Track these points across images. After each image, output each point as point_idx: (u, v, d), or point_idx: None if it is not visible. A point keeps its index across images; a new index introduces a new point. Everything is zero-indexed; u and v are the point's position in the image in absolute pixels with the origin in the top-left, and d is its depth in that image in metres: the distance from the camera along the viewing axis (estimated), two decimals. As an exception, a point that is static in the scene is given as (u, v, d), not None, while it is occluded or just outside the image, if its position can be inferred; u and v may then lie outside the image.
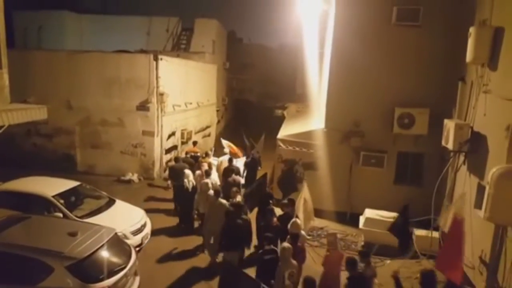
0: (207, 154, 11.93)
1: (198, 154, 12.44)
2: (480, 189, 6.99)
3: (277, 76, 32.45)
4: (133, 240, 7.85)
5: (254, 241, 8.15)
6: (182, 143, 15.86)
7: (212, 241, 7.95)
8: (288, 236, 6.54)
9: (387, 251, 8.65)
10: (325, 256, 6.71)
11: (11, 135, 12.34)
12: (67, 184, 8.84)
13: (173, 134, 15.24)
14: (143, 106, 13.72)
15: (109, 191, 9.95)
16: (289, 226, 6.76)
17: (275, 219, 7.43)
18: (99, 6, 27.51)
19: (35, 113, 10.77)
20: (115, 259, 6.03)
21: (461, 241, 5.94)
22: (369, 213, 9.40)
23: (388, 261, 8.39)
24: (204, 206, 8.47)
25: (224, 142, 13.72)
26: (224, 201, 8.10)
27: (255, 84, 34.11)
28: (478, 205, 7.04)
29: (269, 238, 6.32)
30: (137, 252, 7.22)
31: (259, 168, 12.32)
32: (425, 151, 10.27)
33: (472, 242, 7.30)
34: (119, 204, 9.04)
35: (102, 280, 5.52)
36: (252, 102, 33.62)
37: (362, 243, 9.21)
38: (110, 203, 8.90)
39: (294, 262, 5.75)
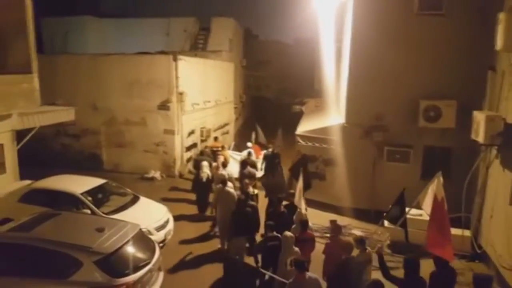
0: (223, 148, 12.83)
1: (219, 148, 12.95)
2: (516, 185, 6.68)
3: (295, 72, 32.25)
4: (157, 236, 7.96)
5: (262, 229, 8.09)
6: (202, 140, 16.00)
7: (221, 228, 8.41)
8: (294, 226, 6.77)
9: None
10: (326, 244, 6.74)
11: (41, 136, 12.77)
12: (94, 182, 9.05)
13: (192, 132, 15.41)
14: (164, 106, 13.93)
15: (133, 188, 10.13)
16: (294, 216, 7.08)
17: (282, 207, 7.62)
18: (120, 10, 28.13)
19: (64, 114, 11.18)
20: (140, 255, 6.12)
21: (445, 220, 6.11)
22: (394, 210, 9.15)
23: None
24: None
25: (260, 133, 14.52)
26: (231, 190, 8.54)
27: (273, 80, 34.01)
28: (513, 201, 6.74)
29: (270, 226, 6.59)
30: (161, 247, 7.30)
31: (277, 160, 12.23)
32: (453, 145, 9.86)
33: (508, 241, 6.97)
34: (143, 201, 9.19)
35: (128, 274, 5.61)
36: (270, 98, 33.52)
37: (388, 242, 8.97)
38: (135, 200, 9.06)
39: (296, 249, 5.91)
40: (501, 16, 6.98)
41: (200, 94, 15.96)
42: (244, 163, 10.72)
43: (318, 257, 6.70)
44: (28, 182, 9.30)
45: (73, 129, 14.58)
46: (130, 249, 6.03)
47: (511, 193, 6.94)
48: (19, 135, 10.22)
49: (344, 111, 11.07)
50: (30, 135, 10.24)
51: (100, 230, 6.09)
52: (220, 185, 8.76)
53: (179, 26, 23.35)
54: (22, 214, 6.92)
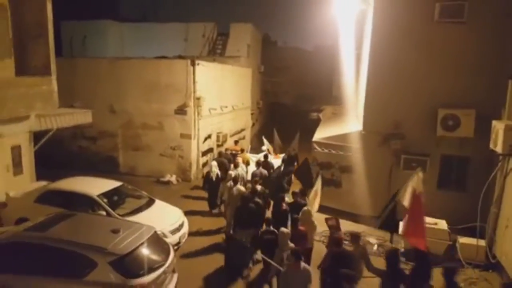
0: (242, 151, 13.80)
1: (239, 151, 13.54)
2: (534, 195, 6.53)
3: (313, 79, 32.14)
4: (172, 239, 8.03)
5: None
6: (218, 145, 16.09)
7: (229, 222, 9.03)
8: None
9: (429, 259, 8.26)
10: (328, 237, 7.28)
11: (59, 138, 13.08)
12: (110, 184, 9.20)
13: (209, 136, 15.51)
14: (181, 110, 14.08)
15: (149, 192, 10.26)
16: (300, 214, 7.57)
17: (284, 205, 8.15)
18: (139, 14, 28.67)
19: (81, 117, 11.38)
20: (154, 256, 6.18)
21: (421, 212, 6.54)
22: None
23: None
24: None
25: (265, 141, 14.95)
26: (241, 188, 9.21)
27: (290, 87, 33.94)
28: (531, 212, 6.60)
29: (269, 220, 7.25)
30: (175, 250, 7.37)
31: (296, 163, 12.80)
32: (471, 154, 9.72)
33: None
34: (159, 204, 9.29)
35: (142, 275, 5.67)
36: (287, 105, 33.47)
37: (402, 250, 8.85)
38: (150, 202, 9.18)
39: (291, 244, 6.38)
40: (523, 24, 6.86)
41: (217, 99, 16.09)
42: (257, 164, 11.32)
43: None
44: (44, 183, 9.51)
45: (90, 131, 14.85)
46: (145, 251, 6.10)
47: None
48: (37, 136, 10.47)
49: (362, 119, 11.02)
50: (47, 136, 10.48)
51: (116, 231, 6.18)
52: (230, 183, 9.38)
53: (197, 31, 23.62)
54: (38, 215, 7.07)
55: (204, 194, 11.80)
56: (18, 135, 9.86)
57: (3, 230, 6.86)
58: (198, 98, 14.07)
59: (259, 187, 9.20)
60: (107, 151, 15.08)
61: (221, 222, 10.21)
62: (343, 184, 11.33)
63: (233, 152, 13.56)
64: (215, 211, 11.06)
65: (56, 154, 14.06)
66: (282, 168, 12.05)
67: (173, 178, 14.12)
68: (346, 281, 5.29)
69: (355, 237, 6.63)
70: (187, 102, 13.99)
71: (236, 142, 15.51)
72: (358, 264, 6.08)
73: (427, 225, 8.56)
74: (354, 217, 10.55)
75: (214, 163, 11.44)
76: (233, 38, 23.29)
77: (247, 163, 12.22)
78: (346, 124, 12.94)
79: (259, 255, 7.50)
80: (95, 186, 8.89)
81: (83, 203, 8.27)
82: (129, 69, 14.60)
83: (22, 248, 5.91)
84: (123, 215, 8.19)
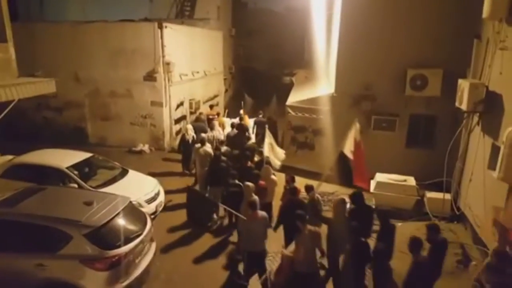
0: (218, 115, 13.97)
1: (215, 116, 13.65)
2: (495, 150, 6.89)
3: (285, 42, 31.57)
4: (148, 208, 8.03)
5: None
6: (191, 113, 15.83)
7: (200, 181, 9.62)
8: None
9: (399, 214, 8.71)
10: (283, 193, 7.92)
11: (21, 109, 12.46)
12: (80, 155, 8.97)
13: (181, 104, 15.19)
14: (150, 77, 13.61)
15: (121, 162, 10.08)
16: (261, 170, 8.39)
17: (249, 162, 8.85)
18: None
19: (44, 86, 10.75)
20: (131, 227, 6.17)
21: (363, 157, 7.70)
22: (380, 177, 9.40)
23: (400, 224, 8.46)
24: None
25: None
26: (208, 149, 9.59)
27: (263, 51, 33.29)
28: (492, 166, 6.97)
29: (233, 175, 7.88)
30: (152, 219, 7.39)
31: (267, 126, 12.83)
32: (438, 113, 10.05)
33: (485, 203, 7.28)
34: (132, 174, 9.19)
35: (119, 246, 5.67)
36: (260, 69, 33.01)
37: (373, 207, 9.26)
38: (124, 173, 9.05)
39: (255, 197, 6.82)
40: (489, -18, 6.90)
41: (188, 64, 15.59)
42: (232, 126, 11.74)
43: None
44: (9, 157, 9.13)
45: (55, 101, 14.21)
46: (121, 222, 6.07)
47: (490, 157, 7.16)
48: (-3, 108, 9.92)
49: (334, 81, 11.06)
50: (8, 108, 9.92)
51: (89, 203, 6.10)
52: (198, 144, 9.77)
53: (164, -8, 22.47)
54: (5, 190, 6.80)
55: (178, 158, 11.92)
56: (-24, 107, 9.29)
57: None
58: (168, 64, 13.59)
59: (224, 148, 9.89)
60: (74, 121, 14.55)
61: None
62: (316, 147, 11.54)
63: (209, 116, 13.68)
64: (188, 172, 11.50)
65: (20, 127, 13.48)
66: (254, 130, 13.06)
67: (145, 147, 13.91)
68: (299, 220, 5.69)
69: (308, 188, 7.16)
70: (156, 68, 13.52)
71: (211, 107, 15.73)
72: (313, 210, 6.73)
73: (396, 182, 9.09)
74: (327, 178, 10.80)
75: (190, 126, 11.84)
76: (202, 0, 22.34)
77: (223, 126, 12.82)
78: (318, 88, 12.98)
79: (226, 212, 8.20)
80: (64, 158, 8.63)
81: (52, 176, 8.06)
82: (93, 34, 13.84)
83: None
84: (95, 187, 8.06)
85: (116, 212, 6.06)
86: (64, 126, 14.55)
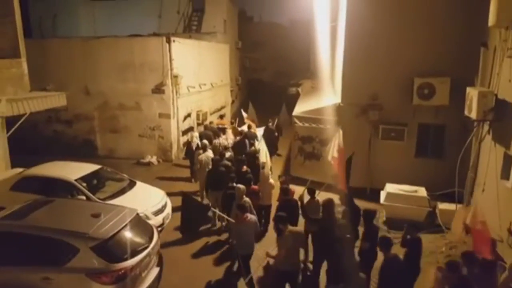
0: (232, 123, 14.41)
1: (226, 126, 14.06)
2: (507, 159, 6.76)
3: (290, 54, 31.80)
4: (155, 220, 7.99)
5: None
6: (198, 124, 15.92)
7: (201, 184, 9.98)
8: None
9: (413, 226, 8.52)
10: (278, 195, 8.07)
11: (33, 122, 12.68)
12: (89, 168, 9.01)
13: (188, 115, 15.30)
14: (159, 89, 13.78)
15: (129, 174, 10.12)
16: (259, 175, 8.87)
17: (245, 167, 9.05)
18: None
19: (55, 100, 10.99)
20: (137, 239, 6.12)
21: (343, 162, 8.22)
22: (390, 187, 9.26)
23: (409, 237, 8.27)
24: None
25: (244, 114, 15.64)
26: (209, 154, 10.06)
27: (268, 62, 33.57)
28: (504, 176, 6.84)
29: (232, 178, 8.24)
30: (159, 232, 7.35)
31: (276, 134, 14.22)
32: (447, 122, 9.94)
33: (500, 214, 7.08)
34: (140, 186, 9.19)
35: (126, 259, 5.61)
36: (266, 81, 33.22)
37: (384, 219, 9.11)
38: (131, 185, 9.06)
39: (246, 199, 7.21)
40: (495, -10, 6.88)
41: (195, 76, 15.76)
42: (240, 134, 12.41)
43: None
44: (19, 170, 9.19)
45: (65, 114, 14.42)
46: (128, 234, 6.02)
47: (502, 167, 7.01)
48: (9, 122, 10.08)
49: (340, 91, 11.03)
50: (20, 121, 10.11)
51: (96, 215, 6.07)
52: (199, 151, 10.29)
53: (171, 8, 22.79)
54: (14, 203, 6.82)
55: (186, 172, 12.00)
56: (-11, 121, 9.48)
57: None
58: (176, 76, 13.75)
59: (228, 154, 10.39)
60: (84, 134, 14.72)
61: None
62: (324, 157, 11.44)
63: (219, 126, 14.16)
64: (194, 180, 11.69)
65: (31, 140, 13.64)
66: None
67: (153, 159, 13.97)
68: (280, 222, 5.89)
69: (310, 190, 7.47)
70: (164, 80, 13.68)
71: (221, 117, 16.67)
72: (315, 213, 6.93)
73: (407, 193, 8.93)
74: (335, 189, 10.70)
75: (196, 134, 12.52)
76: (209, 14, 22.64)
77: (237, 134, 13.24)
78: (325, 98, 12.95)
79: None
80: (73, 170, 8.68)
81: (61, 188, 8.09)
82: (103, 49, 14.10)
83: (-1, 238, 5.76)
84: (103, 199, 8.07)
85: (123, 224, 6.02)
86: (74, 139, 14.74)
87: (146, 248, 6.04)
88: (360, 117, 10.51)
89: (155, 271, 6.25)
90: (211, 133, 12.76)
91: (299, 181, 9.58)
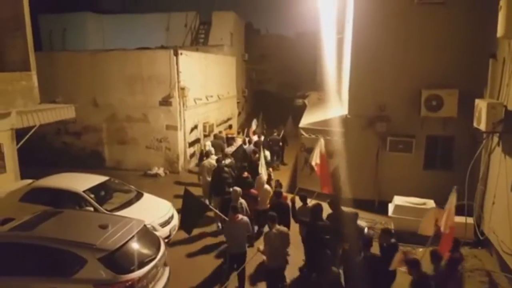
0: (239, 133, 15.81)
1: (234, 135, 14.74)
2: (517, 171, 6.67)
3: (296, 65, 32.04)
4: (162, 232, 7.98)
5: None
6: (205, 136, 15.99)
7: (204, 190, 10.32)
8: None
9: (419, 239, 8.39)
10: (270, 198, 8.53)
11: (42, 134, 12.82)
12: (97, 179, 9.06)
13: (195, 127, 15.39)
14: (166, 101, 13.90)
15: (136, 185, 10.16)
16: (256, 180, 9.25)
17: (245, 173, 9.39)
18: (119, 5, 27.90)
19: (64, 112, 11.13)
20: (145, 250, 6.12)
21: (327, 166, 9.35)
22: (398, 200, 9.16)
23: (420, 249, 8.16)
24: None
25: (253, 125, 15.92)
26: (212, 161, 10.33)
27: (275, 74, 33.81)
28: (515, 187, 6.73)
29: (228, 183, 8.83)
30: (166, 243, 7.33)
31: (281, 144, 15.10)
32: (456, 134, 9.85)
33: (511, 227, 6.96)
34: (147, 197, 9.20)
35: (133, 271, 5.61)
36: (272, 92, 33.39)
37: (392, 231, 8.96)
38: (138, 196, 9.08)
39: (242, 201, 7.75)
40: (502, 2, 6.90)
41: (202, 89, 15.90)
42: (249, 143, 13.33)
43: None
44: (29, 181, 9.29)
45: (74, 126, 14.58)
46: (135, 246, 6.03)
47: (513, 180, 6.93)
48: (19, 134, 10.21)
49: (347, 103, 11.03)
50: (30, 133, 10.23)
51: (104, 227, 6.09)
52: (204, 158, 10.77)
53: (179, 21, 23.20)
54: (23, 214, 6.90)
55: (192, 185, 11.74)
56: (0, 133, 9.59)
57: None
58: (183, 89, 13.88)
59: (229, 160, 10.73)
60: (92, 146, 14.83)
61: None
62: (331, 169, 11.38)
63: (228, 135, 14.59)
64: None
65: (40, 151, 13.77)
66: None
67: (160, 171, 14.01)
68: (269, 221, 6.40)
69: (303, 197, 7.85)
70: (171, 93, 13.80)
71: (230, 127, 17.66)
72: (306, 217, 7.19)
73: (415, 206, 8.83)
74: (342, 201, 10.62)
75: (209, 143, 13.05)
76: (216, 27, 22.98)
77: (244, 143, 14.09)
78: (331, 109, 12.96)
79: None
80: (81, 182, 8.73)
81: (69, 199, 8.13)
82: (111, 62, 14.30)
83: (8, 248, 5.79)
84: (111, 210, 8.09)
85: (131, 236, 6.04)
86: (82, 151, 14.86)
87: (153, 259, 6.04)
88: (367, 129, 10.47)
89: (162, 283, 6.21)
90: (221, 142, 13.30)
91: (306, 193, 9.49)
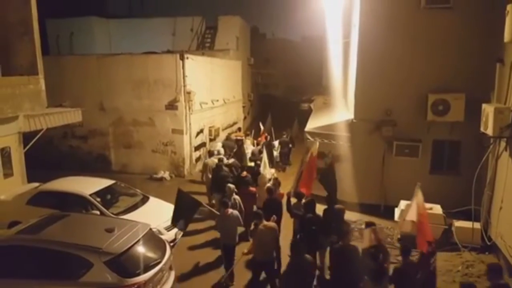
0: (247, 135, 15.72)
1: (243, 137, 14.71)
2: (525, 176, 6.60)
3: (302, 70, 32.11)
4: (167, 236, 8.00)
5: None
6: (210, 140, 16.04)
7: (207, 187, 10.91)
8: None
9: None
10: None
11: (49, 138, 12.94)
12: (103, 183, 9.12)
13: (201, 131, 15.43)
14: (172, 105, 13.96)
15: (142, 189, 10.20)
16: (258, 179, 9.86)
17: (245, 172, 9.88)
18: (126, 10, 28.23)
19: (71, 116, 11.22)
20: (150, 254, 6.14)
21: (314, 167, 9.54)
22: (404, 204, 9.08)
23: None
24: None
25: (261, 127, 16.36)
26: (215, 160, 10.77)
27: (280, 78, 33.90)
28: (523, 193, 6.66)
29: (228, 181, 9.12)
30: (171, 247, 7.33)
31: (290, 146, 15.53)
32: (462, 138, 9.78)
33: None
34: (153, 201, 9.24)
35: (138, 274, 5.62)
36: (278, 96, 33.44)
37: (399, 236, 8.92)
38: (144, 200, 9.12)
39: (236, 197, 8.35)
40: (509, 7, 6.89)
41: (208, 93, 15.96)
42: (257, 144, 14.10)
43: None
44: (35, 184, 9.39)
45: (80, 130, 14.69)
46: (141, 249, 6.06)
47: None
48: (26, 137, 10.30)
49: (353, 107, 11.01)
50: (37, 137, 10.32)
51: (110, 230, 6.12)
52: (206, 156, 11.50)
53: (185, 26, 23.35)
54: (30, 217, 6.95)
55: (198, 188, 11.97)
56: (7, 136, 9.67)
57: (-5, 234, 6.77)
58: (189, 93, 13.95)
59: (231, 160, 11.44)
60: (98, 149, 14.92)
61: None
62: (336, 173, 11.35)
63: (238, 137, 14.83)
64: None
65: (47, 155, 13.88)
66: (278, 149, 15.23)
67: (166, 175, 14.05)
68: (256, 218, 6.81)
69: (297, 194, 8.21)
70: (177, 97, 13.87)
71: (239, 129, 17.72)
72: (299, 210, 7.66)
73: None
74: (348, 206, 10.57)
75: (220, 144, 13.93)
76: (222, 31, 23.08)
77: (253, 144, 15.00)
78: (337, 113, 12.94)
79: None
80: (88, 185, 8.80)
81: (76, 203, 8.19)
82: (118, 66, 14.40)
83: (15, 251, 5.83)
84: (117, 214, 8.13)
85: (136, 239, 6.05)
86: (89, 154, 14.96)
87: (158, 263, 6.05)
88: (374, 133, 10.42)
89: (167, 286, 6.21)
90: (232, 143, 13.84)
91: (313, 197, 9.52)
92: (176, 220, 7.48)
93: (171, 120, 14.11)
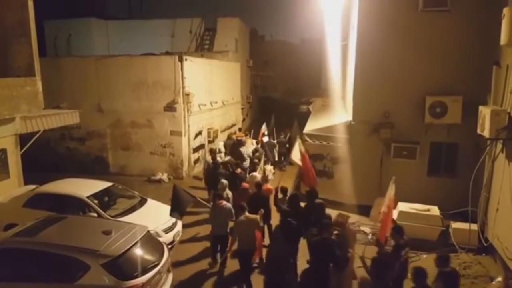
0: (246, 135, 15.78)
1: (244, 138, 14.71)
2: (522, 178, 6.63)
3: (301, 72, 32.16)
4: (165, 238, 7.98)
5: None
6: (209, 141, 16.03)
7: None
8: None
9: (423, 245, 8.35)
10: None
11: (46, 139, 12.89)
12: (101, 185, 9.09)
13: (200, 133, 15.42)
14: (170, 107, 13.94)
15: (140, 191, 10.18)
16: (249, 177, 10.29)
17: (239, 169, 10.46)
18: (125, 12, 28.24)
19: (68, 117, 11.17)
20: (148, 256, 6.12)
21: (309, 163, 9.81)
22: (402, 206, 9.12)
23: (425, 256, 8.11)
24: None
25: (264, 127, 16.29)
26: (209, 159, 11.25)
27: (279, 80, 33.94)
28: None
29: (222, 179, 9.42)
30: (170, 249, 7.32)
31: (287, 146, 15.68)
32: (460, 140, 9.82)
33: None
34: (151, 203, 9.21)
35: (136, 277, 5.61)
36: (277, 98, 33.47)
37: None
38: (142, 202, 9.09)
39: (228, 191, 8.79)
40: (506, 10, 6.93)
41: (206, 94, 15.96)
42: (257, 144, 14.56)
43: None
44: (32, 187, 9.33)
45: (78, 132, 14.65)
46: (138, 251, 6.04)
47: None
48: (23, 139, 10.24)
49: (351, 109, 11.04)
50: (34, 139, 10.27)
51: (107, 233, 6.10)
52: (207, 155, 12.09)
53: (184, 27, 23.37)
54: (27, 219, 6.91)
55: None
56: (3, 138, 9.62)
57: (-9, 237, 6.73)
58: (187, 94, 13.93)
59: (228, 157, 12.02)
60: (96, 151, 14.87)
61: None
62: (335, 175, 11.38)
63: (238, 137, 14.86)
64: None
65: (44, 157, 13.82)
66: (277, 148, 15.62)
67: (164, 176, 14.02)
68: (239, 210, 7.05)
69: (283, 190, 8.45)
70: (176, 98, 13.85)
71: (240, 130, 17.92)
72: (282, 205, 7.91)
73: (419, 212, 8.81)
74: (347, 207, 10.59)
75: (221, 143, 14.33)
76: (221, 33, 23.12)
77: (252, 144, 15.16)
78: (336, 116, 12.97)
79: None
80: (85, 187, 8.76)
81: (73, 205, 8.14)
82: (116, 67, 14.37)
83: (11, 254, 5.80)
84: (114, 216, 8.09)
85: (134, 242, 6.04)
86: (86, 156, 14.90)
87: (156, 265, 6.04)
88: (372, 135, 10.45)
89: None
90: (233, 142, 14.04)
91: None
92: (172, 211, 7.80)
93: (170, 122, 14.09)
